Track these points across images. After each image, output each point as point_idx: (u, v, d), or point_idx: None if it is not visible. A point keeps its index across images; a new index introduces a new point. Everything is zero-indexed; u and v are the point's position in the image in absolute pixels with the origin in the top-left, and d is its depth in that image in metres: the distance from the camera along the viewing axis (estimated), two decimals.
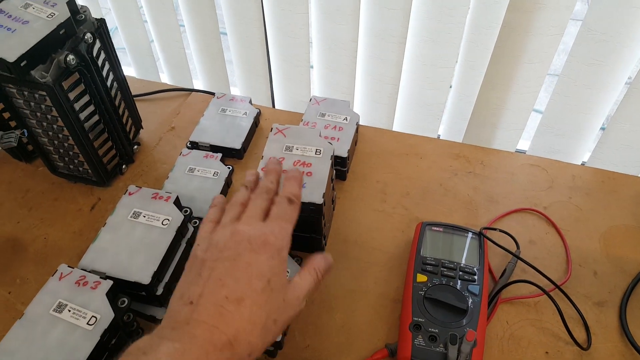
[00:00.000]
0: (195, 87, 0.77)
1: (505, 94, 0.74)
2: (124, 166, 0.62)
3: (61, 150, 0.57)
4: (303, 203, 0.47)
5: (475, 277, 0.48)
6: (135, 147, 0.64)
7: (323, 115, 0.62)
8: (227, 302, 0.34)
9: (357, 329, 0.49)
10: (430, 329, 0.45)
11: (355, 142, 0.63)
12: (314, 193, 0.47)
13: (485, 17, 0.75)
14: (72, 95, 0.53)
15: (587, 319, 0.48)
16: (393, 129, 0.89)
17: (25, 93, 0.52)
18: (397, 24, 0.80)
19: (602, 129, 0.81)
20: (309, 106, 0.64)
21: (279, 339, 0.45)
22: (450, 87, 0.84)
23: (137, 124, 0.65)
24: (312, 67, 0.97)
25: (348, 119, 0.61)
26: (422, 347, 0.44)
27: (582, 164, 0.63)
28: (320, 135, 0.51)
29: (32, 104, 0.53)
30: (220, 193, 0.58)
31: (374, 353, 0.47)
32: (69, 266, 0.44)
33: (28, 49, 0.48)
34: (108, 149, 0.59)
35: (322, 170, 0.49)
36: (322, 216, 0.49)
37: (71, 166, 0.59)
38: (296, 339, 0.49)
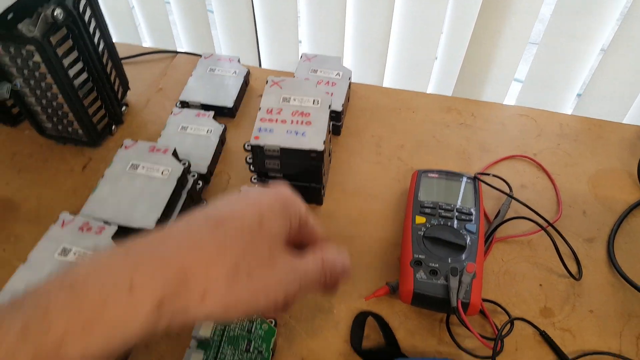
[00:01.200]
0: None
1: (494, 47, 0.78)
2: (113, 127, 0.64)
3: (49, 110, 0.59)
4: (303, 151, 0.50)
5: (472, 217, 0.52)
6: (124, 108, 0.66)
7: (315, 71, 0.65)
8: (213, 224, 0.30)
9: (358, 271, 0.53)
10: (430, 264, 0.48)
11: (348, 98, 0.66)
12: (315, 140, 0.50)
13: None
14: (60, 51, 0.54)
15: (578, 254, 0.52)
16: (383, 86, 0.93)
17: (12, 49, 0.53)
18: None
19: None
20: (299, 63, 0.67)
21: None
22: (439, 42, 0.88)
23: (125, 85, 0.66)
24: (299, 25, 0.99)
25: (340, 75, 0.64)
26: (424, 280, 0.48)
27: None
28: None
29: (19, 60, 0.54)
30: (215, 151, 0.61)
31: (375, 290, 0.51)
32: (70, 213, 0.46)
33: (14, 1, 0.50)
34: (97, 109, 0.61)
35: (321, 118, 0.52)
36: (322, 164, 0.52)
37: (60, 127, 0.61)
38: None
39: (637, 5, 0.74)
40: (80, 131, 0.60)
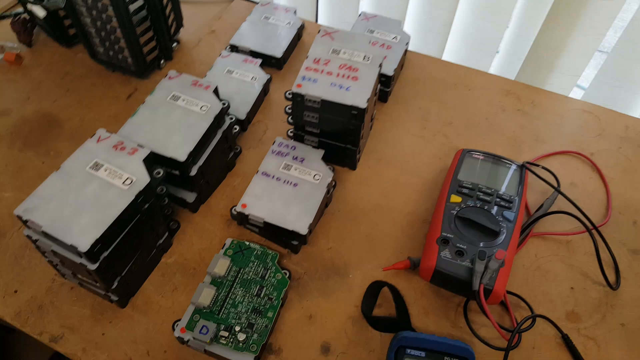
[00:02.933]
0: None
1: (568, 34, 0.74)
2: (162, 61, 0.66)
3: (103, 34, 0.61)
4: (344, 107, 0.50)
5: (512, 205, 0.51)
6: (175, 44, 0.68)
7: (372, 31, 0.64)
8: None
9: (381, 241, 0.53)
10: (458, 245, 0.48)
11: (401, 65, 0.65)
12: (358, 97, 0.50)
13: None
14: None
15: (619, 263, 0.50)
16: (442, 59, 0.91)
17: None
18: None
19: None
20: (357, 21, 0.66)
21: (304, 232, 0.49)
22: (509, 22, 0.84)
23: (179, 21, 0.68)
24: None
25: (398, 39, 0.63)
26: (447, 259, 0.47)
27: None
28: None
29: None
30: (257, 99, 0.62)
31: (395, 263, 0.50)
32: (107, 131, 0.48)
33: None
34: (149, 39, 0.62)
35: (369, 75, 0.51)
36: (362, 125, 0.52)
37: (111, 52, 0.63)
38: (319, 241, 0.52)
39: None
40: (129, 59, 0.62)
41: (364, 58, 0.52)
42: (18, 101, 0.64)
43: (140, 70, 0.63)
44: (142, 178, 0.44)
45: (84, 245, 0.40)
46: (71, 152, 0.58)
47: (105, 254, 0.42)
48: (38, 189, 0.43)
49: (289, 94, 0.52)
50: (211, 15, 0.75)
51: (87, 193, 0.43)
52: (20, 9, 0.70)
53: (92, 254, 0.41)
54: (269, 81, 0.63)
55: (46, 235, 0.42)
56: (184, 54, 0.69)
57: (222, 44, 0.70)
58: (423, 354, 0.43)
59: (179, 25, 0.68)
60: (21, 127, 0.62)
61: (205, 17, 0.75)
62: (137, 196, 0.43)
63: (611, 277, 0.50)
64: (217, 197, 0.56)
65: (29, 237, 0.44)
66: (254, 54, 0.66)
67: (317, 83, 0.51)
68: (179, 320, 0.45)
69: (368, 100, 0.49)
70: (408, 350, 0.43)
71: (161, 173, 0.47)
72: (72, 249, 0.41)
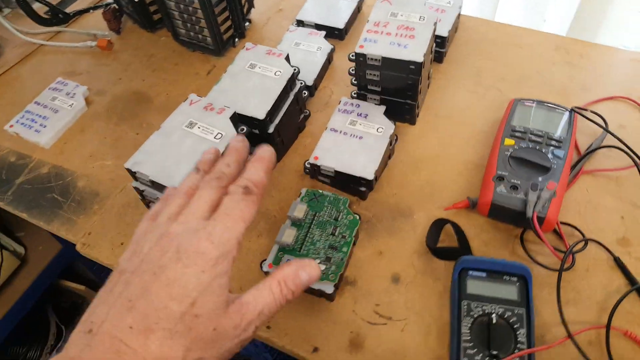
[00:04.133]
0: None
1: None
2: (236, 39, 0.74)
3: (185, 16, 0.69)
4: (403, 62, 0.55)
5: (562, 144, 0.55)
6: (247, 23, 0.76)
7: None
8: (131, 334, 0.28)
9: (441, 185, 0.58)
10: (512, 181, 0.52)
11: (455, 28, 0.70)
12: (415, 52, 0.55)
13: None
14: None
15: None
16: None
17: None
18: None
19: None
20: None
21: (370, 177, 0.55)
22: None
23: (250, 2, 0.76)
24: None
25: (451, 3, 0.68)
26: (503, 193, 0.52)
27: None
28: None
29: None
30: (322, 67, 0.68)
31: (455, 202, 0.56)
32: (197, 95, 0.56)
33: None
34: (225, 19, 0.70)
35: (424, 33, 0.56)
36: (420, 79, 0.57)
37: (192, 33, 0.71)
38: (384, 188, 0.58)
39: None
40: (208, 38, 0.70)
41: (419, 18, 0.58)
42: (111, 82, 0.74)
43: (218, 49, 0.71)
44: (230, 133, 0.52)
45: None
46: (161, 123, 0.67)
47: None
48: (143, 146, 0.52)
49: (352, 55, 0.58)
50: None
51: (184, 147, 0.51)
52: (110, 0, 0.80)
53: None
54: (332, 51, 0.70)
55: (153, 184, 0.50)
56: (255, 32, 0.77)
57: (289, 20, 0.78)
58: (484, 274, 0.48)
59: (251, 5, 0.76)
60: (115, 105, 0.71)
61: None
62: None
63: None
64: (290, 155, 0.63)
65: (136, 188, 0.52)
66: (319, 27, 0.73)
67: (377, 43, 0.57)
68: (265, 259, 0.53)
69: (424, 55, 0.55)
70: (470, 272, 0.48)
71: (245, 129, 0.54)
72: None
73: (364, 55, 0.56)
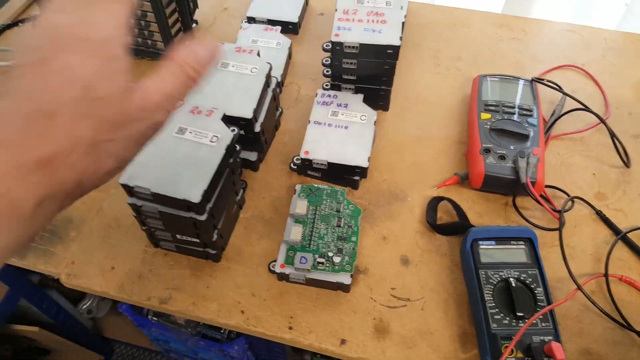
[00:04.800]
0: None
1: None
2: (187, 42, 0.69)
3: (132, 20, 0.63)
4: (381, 47, 0.55)
5: (532, 112, 0.58)
6: (194, 25, 0.71)
7: None
8: (37, 117, 0.29)
9: (427, 165, 0.59)
10: (498, 151, 0.55)
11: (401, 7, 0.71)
12: (391, 36, 0.55)
13: None
14: None
15: (626, 147, 0.59)
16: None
17: None
18: None
19: None
20: None
21: (365, 164, 0.54)
22: None
23: (195, 1, 0.71)
24: None
25: None
26: (493, 164, 0.54)
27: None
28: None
29: None
30: (285, 64, 0.66)
31: (445, 180, 0.57)
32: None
33: None
34: (175, 21, 0.65)
35: (396, 17, 0.57)
36: (395, 64, 0.58)
37: (139, 39, 0.65)
38: (374, 175, 0.58)
39: None
40: (159, 43, 0.65)
41: (386, 4, 0.58)
42: None
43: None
44: (226, 134, 0.48)
45: (196, 196, 0.44)
46: None
47: (210, 205, 0.46)
48: (134, 159, 0.47)
49: (327, 44, 0.57)
50: None
51: (181, 154, 0.47)
52: (36, 12, 0.71)
53: (201, 205, 0.45)
54: (291, 45, 0.68)
55: (155, 196, 0.45)
56: (203, 33, 0.72)
57: (236, 19, 0.74)
58: (493, 242, 0.50)
59: (195, 6, 0.71)
60: None
61: None
62: (227, 149, 0.47)
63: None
64: (271, 154, 0.61)
65: (132, 205, 0.47)
66: (271, 22, 0.70)
67: (352, 31, 0.56)
68: (274, 260, 0.50)
69: (401, 39, 0.55)
70: (480, 242, 0.50)
71: (236, 131, 0.51)
72: (183, 204, 0.44)
73: (340, 44, 0.55)
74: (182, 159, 0.46)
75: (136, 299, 0.50)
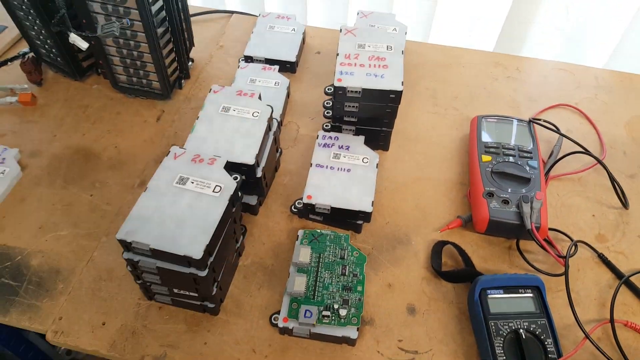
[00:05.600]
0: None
1: (536, 7, 0.84)
2: (182, 81, 0.67)
3: (128, 61, 0.61)
4: (383, 92, 0.54)
5: (532, 155, 0.57)
6: (190, 63, 0.69)
7: (373, 26, 0.68)
8: None
9: (429, 207, 0.57)
10: (502, 195, 0.54)
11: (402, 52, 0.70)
12: (393, 81, 0.54)
13: None
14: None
15: (623, 187, 0.58)
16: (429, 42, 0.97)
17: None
18: None
19: None
20: (357, 19, 0.70)
21: (369, 209, 0.52)
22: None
23: (191, 40, 0.69)
24: None
25: (397, 30, 0.68)
26: (497, 208, 0.53)
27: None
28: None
29: (110, 6, 0.56)
30: (284, 103, 0.64)
31: (449, 223, 0.56)
32: (180, 147, 0.49)
33: None
34: (172, 61, 0.63)
35: (397, 62, 0.56)
36: (397, 108, 0.56)
37: (135, 78, 0.63)
38: (376, 218, 0.56)
39: None
40: (154, 82, 0.62)
41: (387, 48, 0.57)
42: (45, 141, 0.63)
43: (166, 92, 0.64)
44: (229, 183, 0.46)
45: (197, 252, 0.41)
46: (116, 180, 0.58)
47: (211, 259, 0.44)
48: (133, 212, 0.44)
49: (329, 88, 0.55)
50: (214, 32, 0.77)
51: (182, 206, 0.44)
52: (25, 49, 0.68)
53: (202, 260, 0.42)
54: (289, 85, 0.66)
55: (154, 252, 0.43)
56: (199, 71, 0.70)
57: (232, 57, 0.72)
58: (501, 291, 0.48)
59: (191, 44, 0.69)
60: (57, 165, 0.61)
61: (209, 33, 0.77)
62: (230, 200, 0.45)
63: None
64: (272, 198, 0.58)
65: (128, 260, 0.44)
66: (270, 62, 0.68)
67: (354, 75, 0.54)
68: (277, 313, 0.48)
69: (402, 84, 0.54)
70: (489, 292, 0.48)
71: (238, 178, 0.49)
72: (183, 260, 0.42)
73: (343, 88, 0.54)
74: (183, 212, 0.44)
75: (129, 357, 0.47)
